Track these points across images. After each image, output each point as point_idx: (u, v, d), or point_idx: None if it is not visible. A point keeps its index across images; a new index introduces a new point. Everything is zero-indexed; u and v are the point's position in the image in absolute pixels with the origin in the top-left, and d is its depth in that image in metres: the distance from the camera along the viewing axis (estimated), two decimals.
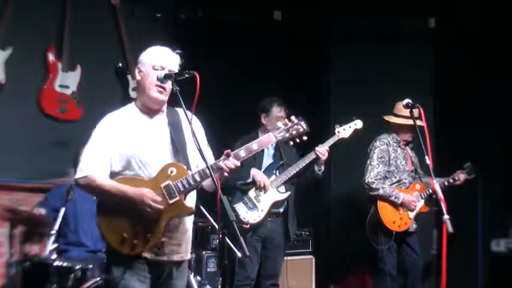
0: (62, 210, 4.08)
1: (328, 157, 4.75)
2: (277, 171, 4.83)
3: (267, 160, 4.88)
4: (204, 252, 5.03)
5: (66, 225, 4.31)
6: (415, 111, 3.92)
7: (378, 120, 5.19)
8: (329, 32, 6.54)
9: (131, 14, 5.65)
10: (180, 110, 3.06)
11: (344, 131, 4.82)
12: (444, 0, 6.28)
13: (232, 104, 5.75)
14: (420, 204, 5.04)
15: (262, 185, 4.69)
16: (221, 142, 3.49)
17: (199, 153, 2.80)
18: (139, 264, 2.94)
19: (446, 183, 5.08)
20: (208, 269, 5.03)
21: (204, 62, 4.59)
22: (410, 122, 4.09)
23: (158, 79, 2.96)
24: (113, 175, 2.97)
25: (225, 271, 4.03)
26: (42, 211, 4.25)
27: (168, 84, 2.97)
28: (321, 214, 6.47)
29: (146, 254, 2.94)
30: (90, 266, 3.89)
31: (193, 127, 2.82)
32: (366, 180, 4.98)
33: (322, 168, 4.82)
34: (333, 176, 6.28)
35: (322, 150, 4.70)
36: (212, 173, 2.77)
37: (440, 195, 3.55)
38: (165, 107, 3.10)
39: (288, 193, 4.81)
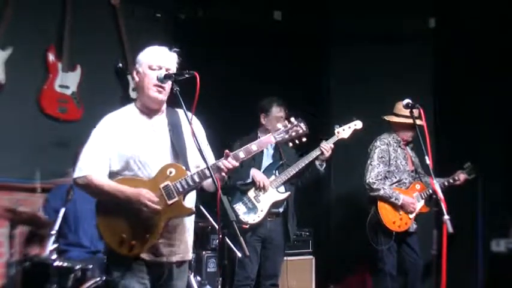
0: (62, 211, 4.08)
1: (330, 155, 4.77)
2: (277, 172, 4.83)
3: (267, 160, 4.88)
4: (204, 252, 5.03)
5: (66, 225, 4.31)
6: (415, 111, 3.93)
7: (378, 121, 5.19)
8: (329, 32, 6.54)
9: (131, 14, 5.65)
10: (179, 111, 3.06)
11: (344, 132, 4.82)
12: (444, 0, 6.28)
13: (232, 104, 5.75)
14: (420, 204, 5.04)
15: (261, 185, 4.69)
16: (221, 142, 3.49)
17: (200, 154, 2.80)
18: (138, 265, 2.94)
19: (446, 184, 5.08)
20: (208, 269, 5.03)
21: (204, 62, 4.59)
22: (410, 120, 4.10)
23: (158, 79, 2.96)
24: (112, 175, 2.97)
25: (225, 271, 4.04)
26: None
27: (167, 84, 2.97)
28: (321, 214, 6.46)
29: (145, 256, 2.93)
30: (90, 266, 3.89)
31: (193, 127, 2.82)
32: (367, 181, 4.98)
33: (324, 164, 4.83)
34: (333, 176, 6.29)
35: (327, 146, 4.71)
36: (212, 173, 2.77)
37: (440, 195, 3.55)
38: (164, 107, 3.10)
39: (288, 193, 4.81)
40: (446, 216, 3.42)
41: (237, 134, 4.69)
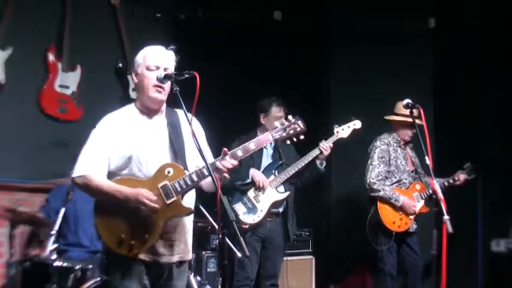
0: (62, 211, 4.09)
1: (329, 153, 4.77)
2: (276, 171, 4.83)
3: (266, 160, 4.88)
4: (204, 252, 5.03)
5: (66, 225, 4.32)
6: (415, 111, 3.93)
7: (378, 120, 5.19)
8: (329, 32, 6.54)
9: (131, 14, 5.65)
10: (179, 111, 3.06)
11: (343, 131, 4.83)
12: (444, 0, 6.28)
13: (232, 104, 5.74)
14: (420, 204, 5.04)
15: (261, 185, 4.69)
16: (221, 142, 3.48)
17: (199, 153, 2.79)
18: (137, 265, 2.93)
19: (446, 184, 5.09)
20: (208, 269, 5.03)
21: (204, 62, 4.60)
22: (409, 119, 4.10)
23: (158, 79, 2.96)
24: (111, 175, 2.97)
25: (225, 271, 4.04)
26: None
27: (167, 84, 2.97)
28: (321, 214, 6.47)
29: (144, 256, 2.93)
30: (90, 266, 3.89)
31: (193, 128, 2.81)
32: (368, 181, 4.98)
33: (324, 163, 4.83)
34: (333, 176, 6.29)
35: (326, 145, 4.72)
36: (211, 172, 2.76)
37: (440, 195, 3.55)
38: (164, 107, 3.10)
39: (287, 193, 4.81)
40: (446, 216, 3.42)
41: (237, 134, 4.69)
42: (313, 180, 5.05)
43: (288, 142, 3.12)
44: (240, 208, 4.69)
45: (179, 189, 2.91)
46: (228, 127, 5.16)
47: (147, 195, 2.85)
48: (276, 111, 4.79)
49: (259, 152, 4.77)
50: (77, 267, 3.87)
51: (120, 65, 5.48)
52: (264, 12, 6.37)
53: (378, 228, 4.96)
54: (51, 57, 5.08)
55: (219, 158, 2.95)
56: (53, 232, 4.01)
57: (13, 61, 4.84)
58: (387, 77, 6.17)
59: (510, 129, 5.76)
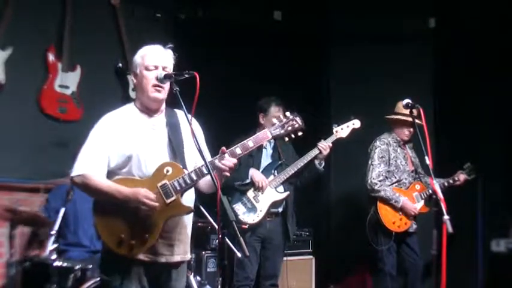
0: (62, 211, 4.08)
1: (328, 153, 4.77)
2: (276, 171, 4.82)
3: (266, 160, 4.88)
4: (204, 252, 5.03)
5: (66, 225, 4.32)
6: (415, 111, 3.93)
7: (378, 120, 5.19)
8: (329, 32, 6.55)
9: (131, 14, 5.65)
10: (179, 111, 3.06)
11: (342, 131, 4.83)
12: (444, 0, 6.28)
13: (232, 104, 5.74)
14: (420, 204, 5.04)
15: (260, 185, 4.69)
16: (221, 142, 3.48)
17: (199, 153, 2.79)
18: (136, 266, 2.93)
19: (446, 184, 5.09)
20: (208, 269, 5.03)
21: (204, 62, 4.60)
22: (409, 118, 4.10)
23: (158, 79, 2.95)
24: (110, 174, 2.96)
25: (225, 271, 4.03)
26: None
27: (167, 84, 2.97)
28: (321, 214, 6.47)
29: (144, 257, 2.92)
30: (90, 266, 3.89)
31: (192, 127, 2.81)
32: (369, 181, 4.98)
33: (323, 163, 4.83)
34: (332, 176, 6.29)
35: (325, 145, 4.72)
36: (211, 170, 2.75)
37: (440, 195, 3.55)
38: (163, 107, 3.10)
39: (287, 193, 4.80)
40: (446, 216, 3.42)
41: (236, 134, 4.66)
42: (313, 180, 5.05)
43: (286, 139, 3.10)
44: (239, 208, 4.69)
45: (179, 188, 2.91)
46: (228, 127, 5.15)
47: (146, 195, 2.85)
48: (275, 110, 4.79)
49: (259, 152, 4.77)
50: (77, 267, 3.87)
51: (120, 65, 5.48)
52: (264, 12, 6.37)
53: (378, 228, 4.96)
54: (51, 57, 5.08)
55: (217, 156, 2.93)
56: (53, 232, 4.01)
57: (13, 61, 4.84)
58: (387, 77, 6.17)
59: (510, 129, 5.76)
